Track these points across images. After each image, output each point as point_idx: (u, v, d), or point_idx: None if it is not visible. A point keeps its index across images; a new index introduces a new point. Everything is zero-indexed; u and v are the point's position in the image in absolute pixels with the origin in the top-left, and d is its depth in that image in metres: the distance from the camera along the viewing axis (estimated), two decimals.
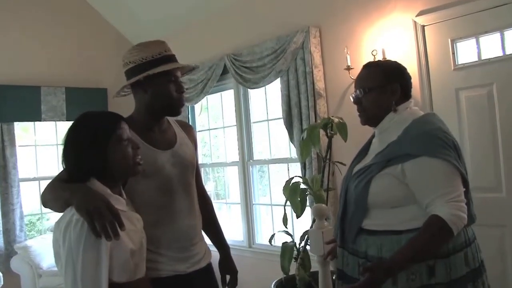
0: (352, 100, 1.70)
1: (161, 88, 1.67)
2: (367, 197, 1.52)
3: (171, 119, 1.84)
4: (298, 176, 3.02)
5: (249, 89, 4.06)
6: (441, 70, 2.80)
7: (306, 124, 3.32)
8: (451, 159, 1.44)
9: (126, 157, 1.42)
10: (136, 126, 1.64)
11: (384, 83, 1.60)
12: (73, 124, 1.44)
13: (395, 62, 1.71)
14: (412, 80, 2.78)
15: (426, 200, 1.43)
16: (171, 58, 1.70)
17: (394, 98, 1.59)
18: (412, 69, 2.86)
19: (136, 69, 1.65)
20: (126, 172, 1.45)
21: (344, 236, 1.65)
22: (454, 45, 2.75)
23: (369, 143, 1.76)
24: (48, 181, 1.53)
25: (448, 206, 1.39)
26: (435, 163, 1.43)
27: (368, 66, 1.68)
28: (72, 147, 1.39)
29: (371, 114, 1.63)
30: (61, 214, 1.38)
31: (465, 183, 1.49)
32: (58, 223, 1.33)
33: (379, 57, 2.95)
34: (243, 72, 3.87)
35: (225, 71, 4.09)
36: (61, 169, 1.48)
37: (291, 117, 3.49)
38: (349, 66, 3.08)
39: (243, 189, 4.21)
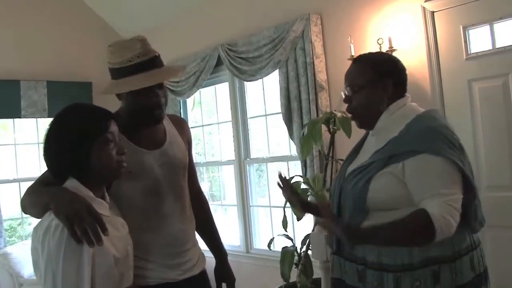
0: (343, 97, 1.68)
1: (133, 101, 1.64)
2: (366, 198, 1.50)
3: None
4: (299, 175, 3.02)
5: (245, 82, 4.05)
6: (452, 60, 2.79)
7: (306, 119, 3.32)
8: (455, 158, 1.43)
9: (109, 160, 1.41)
10: (121, 124, 1.60)
11: (374, 79, 1.57)
12: (57, 116, 1.42)
13: (387, 54, 1.68)
14: (422, 70, 2.90)
15: (420, 196, 1.42)
16: (147, 65, 1.60)
17: (386, 96, 1.57)
18: (421, 59, 2.87)
19: (111, 72, 1.63)
20: (108, 175, 1.44)
21: (341, 242, 1.62)
22: (467, 32, 2.74)
23: (361, 142, 1.74)
24: (29, 183, 1.52)
25: (443, 207, 1.36)
26: (437, 161, 1.42)
27: (357, 61, 1.66)
28: (55, 142, 1.38)
29: (361, 115, 1.62)
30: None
31: (472, 187, 1.46)
32: (36, 229, 1.32)
33: (386, 46, 2.95)
34: (238, 64, 3.85)
35: (219, 63, 4.08)
36: (44, 169, 1.48)
37: (290, 111, 3.49)
38: (353, 56, 3.06)
39: (240, 190, 4.20)
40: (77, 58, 4.98)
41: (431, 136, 1.46)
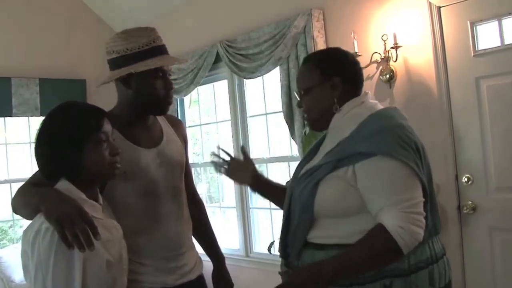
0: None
1: (146, 84, 1.64)
2: (313, 204, 1.44)
3: None
4: None
5: (244, 79, 4.05)
6: (459, 57, 2.78)
7: None
8: (409, 161, 1.36)
9: (102, 161, 1.41)
10: (117, 121, 1.62)
11: (320, 79, 1.53)
12: (49, 115, 1.43)
13: (335, 49, 1.64)
14: (428, 68, 2.90)
15: (375, 207, 1.35)
16: (160, 50, 1.66)
17: (335, 95, 1.51)
18: (427, 55, 2.86)
19: (120, 61, 1.62)
20: (100, 176, 1.44)
21: (287, 251, 1.58)
22: (474, 28, 2.73)
23: (320, 142, 1.68)
24: (21, 184, 1.52)
25: (399, 216, 1.30)
26: (389, 164, 1.35)
27: (304, 61, 1.62)
28: (46, 141, 1.38)
29: (313, 118, 1.58)
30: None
31: (425, 191, 1.40)
32: (26, 231, 1.32)
33: (390, 43, 2.94)
34: (238, 60, 3.85)
35: (217, 59, 4.07)
36: (36, 169, 1.48)
37: (292, 110, 3.48)
38: (356, 53, 3.05)
39: (239, 192, 4.20)
40: (71, 54, 4.97)
41: (382, 137, 1.39)
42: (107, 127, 1.43)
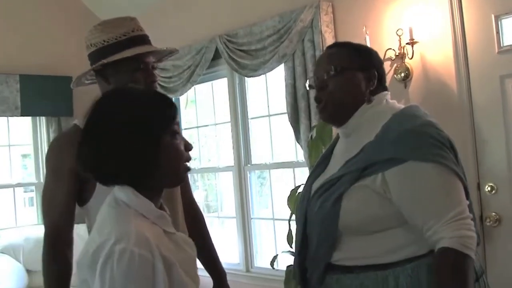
0: (311, 84, 1.63)
1: (126, 78, 1.65)
2: (338, 220, 1.41)
3: None
4: None
5: (246, 78, 4.05)
6: (482, 53, 2.77)
7: (315, 120, 3.30)
8: (448, 162, 1.36)
9: (180, 157, 1.29)
10: None
11: (359, 66, 1.53)
12: (108, 103, 1.28)
13: (365, 45, 1.68)
14: (447, 66, 2.90)
15: (421, 222, 1.35)
16: (141, 40, 1.68)
17: (369, 87, 1.53)
18: (447, 52, 2.86)
19: (97, 53, 1.65)
20: (175, 176, 1.32)
21: (306, 276, 1.54)
22: (499, 22, 2.72)
23: (330, 151, 1.67)
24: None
25: (452, 227, 1.31)
26: (427, 169, 1.35)
27: (340, 45, 1.63)
28: (106, 140, 1.22)
29: (339, 103, 1.53)
30: None
31: (467, 193, 1.42)
32: (84, 259, 1.19)
33: (406, 38, 2.94)
34: (238, 57, 3.85)
35: (216, 56, 4.07)
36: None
37: (297, 111, 3.48)
38: None
39: (239, 200, 4.19)
40: (56, 49, 4.95)
41: (414, 138, 1.39)
42: (177, 117, 1.32)
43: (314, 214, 1.49)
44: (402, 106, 1.56)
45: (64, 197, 1.71)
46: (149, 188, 1.26)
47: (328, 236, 1.45)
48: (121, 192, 1.24)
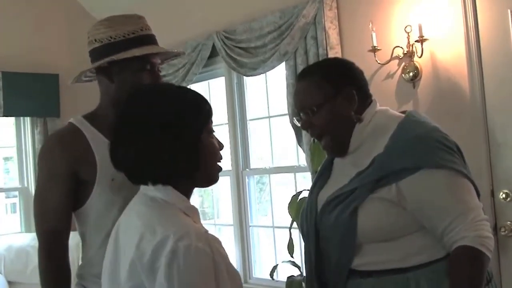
0: (299, 125, 1.69)
1: (131, 77, 1.68)
2: (356, 231, 1.50)
3: None
4: (308, 190, 2.98)
5: (245, 77, 4.05)
6: (497, 52, 2.75)
7: None
8: (460, 167, 1.47)
9: (217, 155, 1.36)
10: (101, 124, 1.68)
11: (332, 93, 1.59)
12: (147, 98, 1.32)
13: (336, 59, 1.79)
14: (459, 65, 2.87)
15: (438, 226, 1.46)
16: (149, 39, 1.72)
17: (352, 107, 1.59)
18: (459, 50, 2.85)
19: (102, 50, 1.67)
20: (211, 175, 1.38)
21: (329, 287, 1.62)
22: None
23: (329, 162, 1.76)
24: None
25: (471, 229, 1.42)
26: (440, 175, 1.46)
27: (303, 78, 1.68)
28: (150, 139, 1.26)
29: (333, 134, 1.61)
30: None
31: (478, 196, 1.53)
32: (135, 264, 1.22)
33: (415, 35, 2.92)
34: (237, 55, 3.85)
35: (213, 54, 4.07)
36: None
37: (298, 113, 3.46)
38: (375, 47, 3.06)
39: (237, 207, 4.19)
40: (42, 45, 4.92)
41: (424, 146, 1.48)
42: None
43: (331, 227, 1.57)
44: (397, 113, 1.65)
45: (60, 200, 1.71)
46: (185, 187, 1.32)
47: (348, 245, 1.53)
48: (159, 192, 1.29)
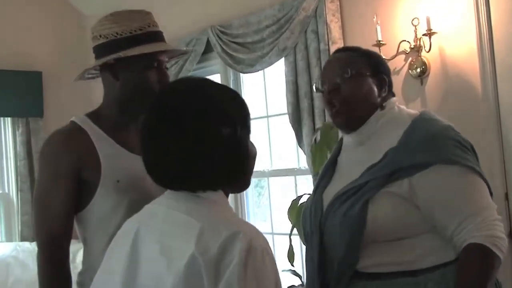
0: (318, 87, 1.74)
1: (137, 75, 1.72)
2: (364, 226, 1.53)
3: None
4: (309, 194, 2.97)
5: (241, 74, 4.06)
6: (511, 48, 2.74)
7: (320, 122, 3.31)
8: (473, 164, 1.51)
9: (254, 157, 1.37)
10: (105, 123, 1.74)
11: (371, 72, 1.70)
12: (181, 100, 1.27)
13: (374, 51, 1.86)
14: (470, 60, 2.86)
15: (449, 225, 1.49)
16: (157, 36, 1.77)
17: (382, 93, 1.70)
18: (470, 46, 2.86)
19: (107, 46, 1.71)
20: (247, 182, 1.40)
21: None
22: None
23: (333, 161, 1.82)
24: None
25: (484, 228, 1.46)
26: (453, 171, 1.51)
27: (348, 49, 1.79)
28: (194, 137, 1.23)
29: (354, 109, 1.67)
30: None
31: (491, 195, 1.57)
32: (197, 264, 1.19)
33: (422, 29, 2.92)
34: (233, 50, 3.85)
35: (208, 49, 4.09)
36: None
37: (299, 112, 3.49)
38: (379, 41, 3.06)
39: (235, 210, 4.14)
40: (24, 40, 4.92)
41: (438, 142, 1.54)
42: None
43: (338, 224, 1.59)
44: (412, 111, 1.74)
45: (64, 202, 1.73)
46: (225, 192, 1.33)
47: (357, 244, 1.56)
48: (214, 195, 1.29)
